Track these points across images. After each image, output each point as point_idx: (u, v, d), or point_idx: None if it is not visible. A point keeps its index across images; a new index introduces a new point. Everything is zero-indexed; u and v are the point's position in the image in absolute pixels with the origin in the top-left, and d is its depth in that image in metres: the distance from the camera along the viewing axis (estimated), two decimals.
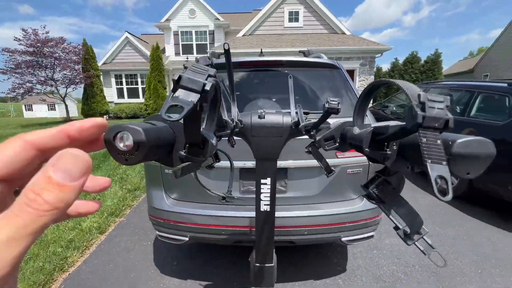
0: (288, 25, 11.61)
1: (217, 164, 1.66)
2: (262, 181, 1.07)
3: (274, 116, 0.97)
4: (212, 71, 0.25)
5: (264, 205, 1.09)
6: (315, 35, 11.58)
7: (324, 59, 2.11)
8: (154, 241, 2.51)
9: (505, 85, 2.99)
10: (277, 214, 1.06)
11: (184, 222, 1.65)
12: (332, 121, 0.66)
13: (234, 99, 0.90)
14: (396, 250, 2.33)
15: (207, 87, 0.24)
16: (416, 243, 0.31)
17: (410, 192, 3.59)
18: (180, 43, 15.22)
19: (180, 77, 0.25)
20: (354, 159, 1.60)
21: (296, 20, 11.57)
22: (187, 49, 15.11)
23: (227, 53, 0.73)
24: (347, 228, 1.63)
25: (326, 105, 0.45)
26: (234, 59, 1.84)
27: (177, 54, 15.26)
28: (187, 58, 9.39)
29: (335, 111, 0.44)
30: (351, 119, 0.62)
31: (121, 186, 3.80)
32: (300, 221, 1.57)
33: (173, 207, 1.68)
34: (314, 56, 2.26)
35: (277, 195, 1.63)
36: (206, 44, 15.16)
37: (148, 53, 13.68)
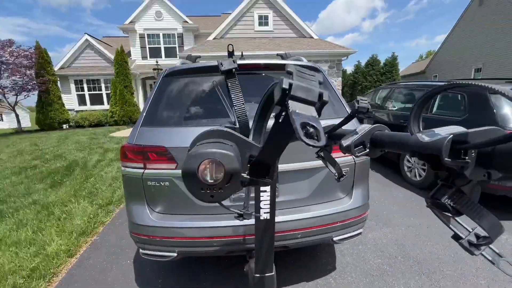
0: (259, 28, 11.76)
1: None
2: (262, 188, 1.03)
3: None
4: (320, 76, 0.20)
5: (264, 213, 1.06)
6: (285, 39, 11.87)
7: (305, 62, 2.15)
8: (134, 259, 2.32)
9: (463, 84, 3.32)
10: None
11: (172, 237, 1.54)
12: (324, 122, 0.65)
13: (233, 106, 0.85)
14: (379, 243, 2.44)
15: (325, 97, 0.20)
16: (483, 252, 0.29)
17: (384, 186, 3.81)
18: (147, 46, 14.59)
19: (290, 85, 0.20)
20: (340, 159, 1.63)
21: (266, 24, 11.76)
22: (155, 53, 14.54)
23: (230, 56, 0.69)
24: (338, 228, 1.65)
25: (356, 105, 0.42)
26: (214, 62, 1.78)
27: (144, 57, 14.59)
28: (157, 62, 8.99)
29: (365, 112, 0.42)
30: (332, 121, 0.60)
31: (90, 201, 3.48)
32: (294, 225, 1.56)
33: (159, 222, 1.56)
34: (293, 59, 2.28)
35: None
36: (175, 47, 14.73)
37: (112, 56, 12.87)
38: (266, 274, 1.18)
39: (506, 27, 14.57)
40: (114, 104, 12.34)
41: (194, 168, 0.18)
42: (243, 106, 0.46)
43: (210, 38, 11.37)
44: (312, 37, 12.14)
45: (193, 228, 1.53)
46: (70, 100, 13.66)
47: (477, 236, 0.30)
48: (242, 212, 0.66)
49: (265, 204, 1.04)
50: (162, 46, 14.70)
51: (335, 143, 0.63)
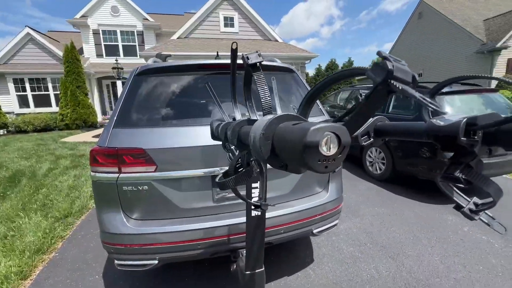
0: (224, 30, 11.71)
1: (185, 174, 1.53)
2: (253, 185, 1.05)
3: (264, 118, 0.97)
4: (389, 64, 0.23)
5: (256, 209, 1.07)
6: (251, 41, 12.02)
7: (279, 63, 2.22)
8: (103, 272, 2.13)
9: None
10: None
11: (152, 244, 1.46)
12: (315, 119, 0.70)
13: (236, 102, 0.85)
14: (350, 233, 2.63)
15: (417, 79, 0.23)
16: (481, 217, 0.35)
17: (350, 180, 4.10)
18: (103, 43, 13.46)
19: (392, 68, 0.22)
20: None
21: (232, 25, 11.77)
22: (112, 51, 13.49)
23: (233, 53, 0.69)
24: (317, 220, 1.74)
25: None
26: (191, 61, 1.74)
27: (99, 55, 13.43)
28: (117, 60, 8.31)
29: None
30: (311, 119, 0.65)
31: (45, 215, 3.08)
32: (277, 220, 1.60)
33: (137, 229, 1.46)
34: (267, 59, 2.34)
35: None
36: (135, 45, 13.87)
37: (61, 53, 11.59)
38: (257, 271, 1.20)
39: (440, 38, 16.87)
40: (64, 106, 11.10)
41: (318, 140, 0.20)
42: (269, 100, 0.48)
43: (174, 37, 10.96)
44: (277, 40, 12.50)
45: (176, 232, 1.48)
46: (8, 102, 11.91)
47: (476, 204, 0.36)
48: (259, 203, 0.67)
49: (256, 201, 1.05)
50: (120, 43, 13.71)
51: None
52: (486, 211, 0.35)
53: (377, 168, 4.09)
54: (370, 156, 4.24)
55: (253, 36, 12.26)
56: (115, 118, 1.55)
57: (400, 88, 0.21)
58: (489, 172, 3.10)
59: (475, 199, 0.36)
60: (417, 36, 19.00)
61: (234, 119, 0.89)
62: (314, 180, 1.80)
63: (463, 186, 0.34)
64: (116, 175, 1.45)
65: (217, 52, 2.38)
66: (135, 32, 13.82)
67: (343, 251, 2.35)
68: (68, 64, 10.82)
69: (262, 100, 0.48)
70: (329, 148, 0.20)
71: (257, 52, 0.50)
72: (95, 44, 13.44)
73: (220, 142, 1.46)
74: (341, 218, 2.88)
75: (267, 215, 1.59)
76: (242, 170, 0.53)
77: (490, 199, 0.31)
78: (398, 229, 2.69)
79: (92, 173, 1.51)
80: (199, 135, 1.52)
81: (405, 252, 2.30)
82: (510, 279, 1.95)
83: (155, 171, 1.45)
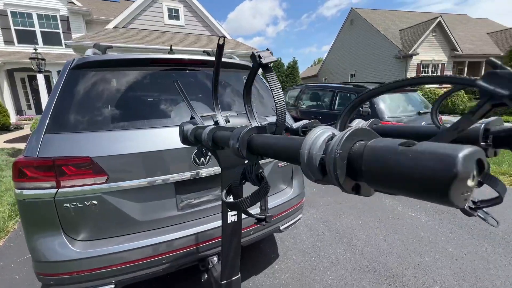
0: (169, 22, 10.94)
1: (143, 182, 1.39)
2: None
3: (239, 119, 0.92)
4: None
5: (231, 215, 1.02)
6: (197, 35, 11.55)
7: (237, 60, 2.17)
8: None
9: (351, 86, 4.21)
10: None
11: (107, 266, 1.26)
12: (298, 123, 0.70)
13: (218, 103, 0.78)
14: (309, 224, 2.79)
15: None
16: (478, 213, 0.39)
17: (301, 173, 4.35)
18: (13, 27, 11.05)
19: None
20: None
21: (177, 18, 11.08)
22: (27, 37, 11.20)
23: (219, 48, 0.62)
24: (284, 217, 1.78)
25: (361, 109, 0.47)
26: (142, 55, 1.56)
27: (8, 42, 11.00)
28: (36, 49, 6.83)
29: (366, 115, 0.47)
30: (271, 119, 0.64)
31: None
32: (246, 222, 1.57)
33: (86, 252, 1.24)
34: (225, 57, 2.27)
35: (219, 203, 1.55)
36: (59, 32, 11.83)
37: None
38: (233, 278, 1.15)
39: (368, 43, 19.31)
40: None
41: (471, 170, 0.16)
42: (283, 103, 0.43)
43: (110, 26, 9.72)
44: (225, 37, 12.33)
45: (135, 249, 1.30)
46: None
47: (474, 202, 0.40)
48: (263, 216, 0.62)
49: None
50: (37, 29, 11.47)
51: None
52: (484, 210, 0.39)
53: None
54: None
55: (201, 31, 11.82)
56: (47, 121, 1.27)
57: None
58: None
59: (473, 197, 0.40)
60: (350, 41, 21.32)
61: (216, 123, 0.81)
62: (279, 177, 1.83)
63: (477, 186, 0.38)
64: (54, 190, 1.19)
65: (171, 46, 2.17)
66: (58, 17, 11.75)
67: (304, 242, 2.48)
68: None
69: (276, 105, 0.44)
70: (473, 178, 0.17)
71: (268, 50, 0.45)
72: (1, 28, 10.93)
73: (188, 146, 1.35)
74: None
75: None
76: (259, 187, 0.48)
77: (496, 196, 0.35)
78: (348, 215, 2.97)
79: (18, 191, 1.21)
80: (157, 138, 1.37)
81: (356, 236, 2.56)
82: (434, 247, 2.37)
83: (106, 181, 1.25)
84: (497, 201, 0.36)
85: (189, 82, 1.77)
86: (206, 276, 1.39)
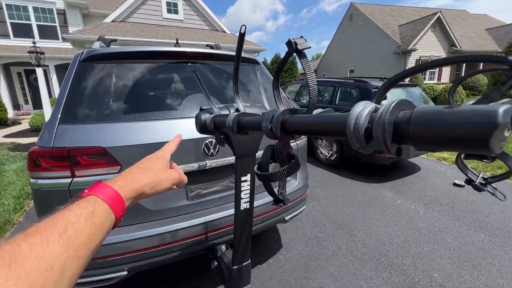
0: (168, 16, 10.82)
1: None
2: (243, 178, 1.03)
3: (252, 109, 0.95)
4: None
5: (244, 202, 1.06)
6: (197, 30, 11.45)
7: (243, 55, 2.19)
8: None
9: (352, 81, 4.23)
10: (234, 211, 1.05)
11: (120, 254, 1.30)
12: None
13: (238, 91, 0.81)
14: (311, 216, 2.85)
15: None
16: (488, 189, 0.43)
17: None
18: (8, 20, 10.88)
19: None
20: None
21: (176, 12, 10.96)
22: (23, 31, 11.03)
23: (241, 37, 0.64)
24: (289, 207, 1.83)
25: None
26: (151, 48, 1.57)
27: (3, 36, 10.84)
28: (34, 43, 6.74)
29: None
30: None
31: None
32: (255, 212, 1.62)
33: None
34: (229, 51, 2.29)
35: (230, 192, 1.60)
36: (55, 26, 11.67)
37: None
38: (244, 264, 1.20)
39: (367, 39, 19.26)
40: None
41: (509, 121, 0.20)
42: (316, 86, 0.47)
43: (108, 20, 9.60)
44: (224, 31, 12.23)
45: (147, 237, 1.35)
46: None
47: (483, 178, 0.44)
48: (282, 198, 0.66)
49: (245, 194, 1.04)
50: (33, 22, 11.30)
51: None
52: (492, 185, 0.43)
53: (327, 155, 4.50)
54: (320, 144, 4.62)
55: (199, 25, 11.71)
56: (60, 112, 1.29)
57: None
58: None
59: (483, 174, 0.44)
60: (349, 36, 21.24)
61: (237, 110, 0.84)
62: None
63: (489, 161, 0.41)
64: (68, 180, 1.23)
65: (177, 39, 2.18)
66: (54, 10, 11.57)
67: (307, 233, 2.53)
68: None
69: (310, 88, 0.47)
70: (508, 129, 0.21)
71: (302, 37, 0.48)
72: None
73: (197, 138, 1.38)
74: None
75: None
76: (291, 161, 0.51)
77: (507, 170, 0.39)
78: (349, 208, 3.04)
79: (33, 180, 1.24)
80: (167, 129, 1.40)
81: (357, 227, 2.62)
82: (432, 237, 2.44)
83: (119, 171, 1.28)
84: (507, 175, 0.40)
85: (199, 75, 1.79)
86: (216, 263, 1.44)
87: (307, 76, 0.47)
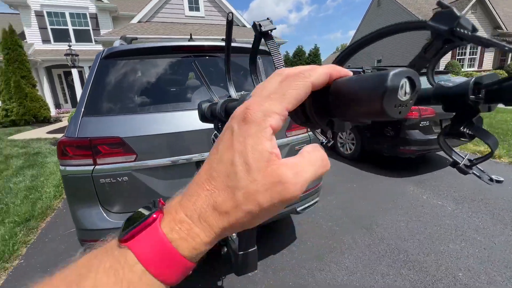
0: (189, 14, 11.09)
1: (167, 161, 1.49)
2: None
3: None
4: None
5: None
6: (217, 26, 11.59)
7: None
8: None
9: (376, 70, 4.03)
10: None
11: None
12: None
13: (231, 79, 0.83)
14: (327, 209, 2.80)
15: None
16: (474, 171, 0.40)
17: None
18: (49, 26, 11.91)
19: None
20: (300, 136, 1.79)
21: (197, 9, 11.19)
22: (61, 35, 12.02)
23: (229, 25, 0.66)
24: (300, 199, 1.82)
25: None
26: (164, 43, 1.64)
27: (46, 41, 11.90)
28: (70, 46, 7.39)
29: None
30: None
31: (0, 220, 2.76)
32: None
33: (120, 223, 1.39)
34: (242, 42, 2.30)
35: None
36: (89, 29, 12.53)
37: None
38: (250, 250, 1.23)
39: None
40: (8, 99, 9.74)
41: (398, 84, 0.20)
42: (283, 66, 0.47)
43: (134, 21, 10.10)
44: (244, 26, 12.23)
45: None
46: None
47: (469, 160, 0.41)
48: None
49: None
50: (70, 27, 12.25)
51: None
52: (478, 166, 0.40)
53: (348, 148, 4.36)
54: (341, 138, 4.48)
55: (220, 20, 11.83)
56: (83, 106, 1.41)
57: (469, 34, 0.22)
58: None
59: (469, 155, 0.41)
60: (376, 24, 20.02)
61: (229, 97, 0.87)
62: None
63: (466, 140, 0.39)
64: (91, 167, 1.34)
65: (191, 34, 2.25)
66: (88, 14, 12.43)
67: (322, 226, 2.50)
68: (8, 51, 9.41)
69: (276, 68, 0.48)
70: (404, 93, 0.21)
71: (268, 19, 0.48)
72: (39, 28, 11.83)
73: (207, 128, 1.42)
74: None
75: None
76: None
77: (488, 151, 0.36)
78: (369, 202, 2.93)
79: (62, 167, 1.38)
80: (179, 120, 1.46)
81: (376, 222, 2.53)
82: (460, 235, 2.27)
83: (135, 160, 1.37)
84: (488, 155, 0.37)
85: (209, 67, 1.84)
86: (226, 249, 1.49)
87: (274, 60, 0.47)
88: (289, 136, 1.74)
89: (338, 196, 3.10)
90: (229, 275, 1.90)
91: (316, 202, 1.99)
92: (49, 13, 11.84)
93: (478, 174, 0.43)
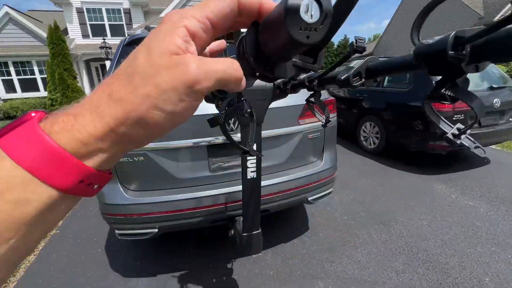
0: None
1: (179, 144, 1.53)
2: (249, 162, 1.05)
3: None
4: None
5: (251, 172, 1.09)
6: None
7: None
8: (105, 246, 2.19)
9: None
10: None
11: (152, 213, 1.49)
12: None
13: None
14: (344, 203, 2.72)
15: None
16: (462, 141, 0.37)
17: (344, 155, 4.17)
18: (88, 22, 12.79)
19: None
20: (313, 124, 1.74)
21: None
22: (98, 30, 12.85)
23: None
24: (312, 188, 1.79)
25: (355, 44, 0.46)
26: None
27: (85, 36, 12.82)
28: (104, 40, 7.93)
29: (362, 50, 0.46)
30: None
31: None
32: (273, 188, 1.64)
33: (136, 199, 1.49)
34: None
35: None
36: (122, 24, 13.24)
37: (44, 34, 11.00)
38: (254, 232, 1.25)
39: (440, 11, 16.44)
40: (53, 90, 10.75)
41: (298, 4, 0.20)
42: None
43: (163, 14, 10.45)
44: None
45: (173, 201, 1.51)
46: None
47: (458, 130, 0.37)
48: (247, 149, 0.67)
49: (251, 163, 1.07)
50: (106, 22, 13.05)
51: (324, 88, 0.68)
52: (468, 136, 0.36)
53: (371, 143, 4.15)
54: (364, 131, 4.28)
55: None
56: None
57: None
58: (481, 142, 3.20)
59: (458, 125, 0.38)
60: (413, 13, 18.46)
61: None
62: (310, 149, 1.82)
63: (448, 102, 0.35)
64: None
65: None
66: (122, 10, 13.11)
67: (337, 219, 2.44)
68: (53, 46, 10.32)
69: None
70: (311, 16, 0.20)
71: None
72: (80, 24, 12.76)
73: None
74: (335, 190, 2.96)
75: (264, 183, 1.63)
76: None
77: (474, 117, 0.32)
78: (389, 198, 2.78)
79: None
80: None
81: (396, 219, 2.40)
82: (492, 239, 2.08)
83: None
84: (473, 121, 0.33)
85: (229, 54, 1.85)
86: (233, 232, 1.53)
87: None
88: (302, 124, 1.70)
89: (356, 190, 2.99)
90: (240, 259, 1.94)
91: (329, 192, 1.94)
92: (88, 10, 12.70)
93: (467, 145, 0.39)
